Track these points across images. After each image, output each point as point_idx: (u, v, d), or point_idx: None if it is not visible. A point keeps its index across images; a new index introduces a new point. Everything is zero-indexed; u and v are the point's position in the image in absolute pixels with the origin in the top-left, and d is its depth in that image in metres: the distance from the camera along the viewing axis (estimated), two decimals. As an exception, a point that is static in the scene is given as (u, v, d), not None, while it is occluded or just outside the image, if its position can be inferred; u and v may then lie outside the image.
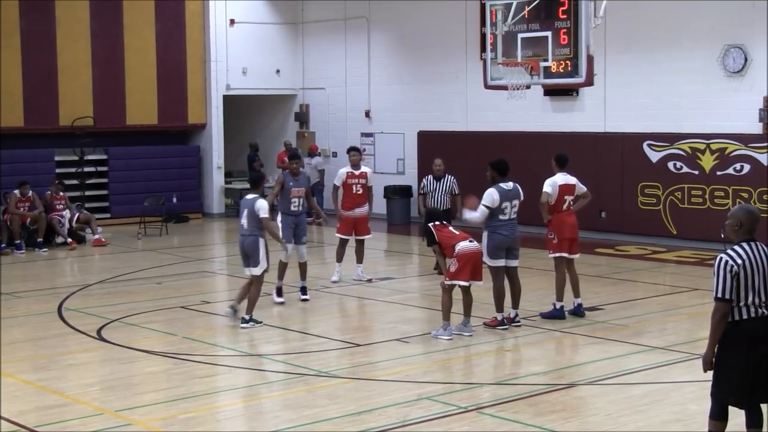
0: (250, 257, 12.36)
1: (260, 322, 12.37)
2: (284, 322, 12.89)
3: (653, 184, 19.29)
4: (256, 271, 12.32)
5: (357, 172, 15.25)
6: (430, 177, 15.90)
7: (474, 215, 11.98)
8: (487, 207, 11.89)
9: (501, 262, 12.00)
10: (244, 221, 12.36)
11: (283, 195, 13.89)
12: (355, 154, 15.47)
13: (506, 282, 12.11)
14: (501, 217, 11.94)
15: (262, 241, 12.27)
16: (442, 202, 15.61)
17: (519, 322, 12.17)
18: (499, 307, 12.06)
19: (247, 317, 12.29)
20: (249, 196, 12.46)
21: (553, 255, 12.67)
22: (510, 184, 12.09)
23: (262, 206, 12.21)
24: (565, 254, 12.66)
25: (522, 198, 12.22)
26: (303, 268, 14.06)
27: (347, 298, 14.53)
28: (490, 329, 11.97)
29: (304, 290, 14.15)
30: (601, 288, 14.64)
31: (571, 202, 12.80)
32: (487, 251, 11.90)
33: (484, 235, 11.99)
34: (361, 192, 15.26)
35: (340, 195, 15.32)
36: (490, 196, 11.93)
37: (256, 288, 12.41)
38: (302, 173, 14.24)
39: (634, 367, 10.26)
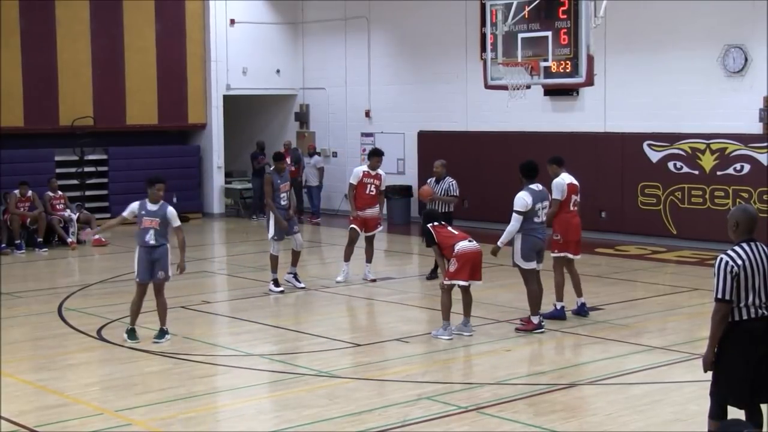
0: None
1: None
2: (284, 322, 12.90)
3: (653, 184, 19.29)
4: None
5: (373, 173, 15.40)
6: (432, 179, 15.73)
7: (509, 227, 11.75)
8: (519, 213, 11.70)
9: (533, 265, 11.87)
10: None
11: (273, 192, 14.65)
12: (379, 159, 15.50)
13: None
14: (536, 219, 11.82)
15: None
16: (440, 205, 15.35)
17: (542, 328, 12.00)
18: (535, 310, 11.91)
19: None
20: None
21: (556, 255, 12.62)
22: (539, 186, 11.95)
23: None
24: (569, 254, 12.64)
25: (549, 199, 12.12)
26: (297, 256, 14.88)
27: (347, 298, 14.53)
28: (525, 333, 11.82)
29: (297, 276, 14.95)
30: (601, 288, 14.63)
31: (577, 201, 12.74)
32: (520, 254, 11.79)
33: (518, 237, 11.78)
34: (374, 193, 15.37)
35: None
36: (522, 200, 11.72)
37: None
38: (286, 170, 15.13)
39: (634, 367, 10.27)
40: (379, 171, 15.49)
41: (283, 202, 14.67)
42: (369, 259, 15.57)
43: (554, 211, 12.41)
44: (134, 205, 11.71)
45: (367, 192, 15.37)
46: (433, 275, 15.42)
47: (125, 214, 11.81)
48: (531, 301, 11.91)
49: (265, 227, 15.08)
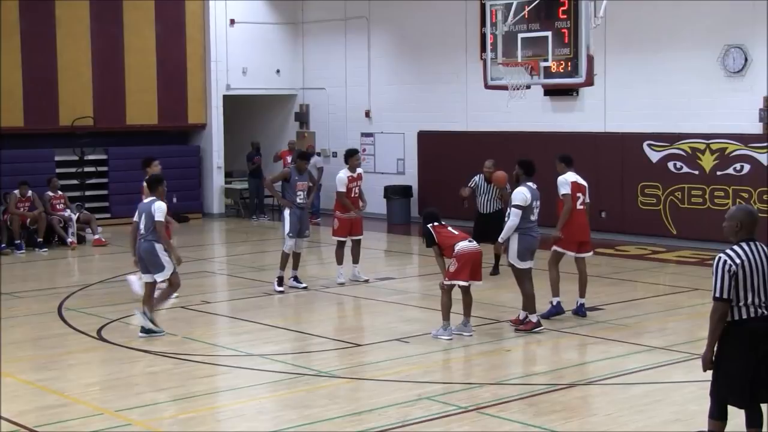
0: (148, 264, 11.93)
1: (161, 332, 11.94)
2: (284, 322, 12.90)
3: (653, 184, 19.29)
4: (161, 276, 11.91)
5: (355, 175, 15.37)
6: (482, 177, 15.65)
7: (509, 222, 11.71)
8: (519, 207, 11.68)
9: (528, 264, 11.85)
10: (142, 225, 11.92)
11: (289, 188, 14.75)
12: (358, 157, 15.56)
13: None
14: (531, 218, 11.79)
15: (159, 246, 11.83)
16: (492, 206, 15.47)
17: (541, 326, 11.94)
18: (532, 309, 11.88)
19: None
20: (146, 200, 12.00)
21: (554, 249, 12.57)
22: (534, 185, 11.93)
23: (159, 208, 11.82)
24: (568, 252, 12.61)
25: (540, 199, 12.03)
26: (298, 258, 14.91)
27: (347, 298, 14.53)
28: (524, 333, 11.80)
29: (297, 279, 14.92)
30: (601, 288, 14.64)
31: (584, 201, 12.70)
32: (516, 254, 11.78)
33: (514, 237, 11.75)
34: (357, 194, 15.37)
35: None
36: (522, 194, 11.70)
37: (167, 289, 12.12)
38: (307, 170, 15.23)
39: (634, 367, 10.26)
40: (359, 170, 15.46)
41: (300, 200, 14.69)
42: (356, 260, 15.53)
43: (569, 207, 12.40)
44: (163, 206, 11.86)
45: (353, 195, 15.32)
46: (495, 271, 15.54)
47: (163, 218, 11.84)
48: (527, 301, 11.92)
49: (282, 225, 14.93)
